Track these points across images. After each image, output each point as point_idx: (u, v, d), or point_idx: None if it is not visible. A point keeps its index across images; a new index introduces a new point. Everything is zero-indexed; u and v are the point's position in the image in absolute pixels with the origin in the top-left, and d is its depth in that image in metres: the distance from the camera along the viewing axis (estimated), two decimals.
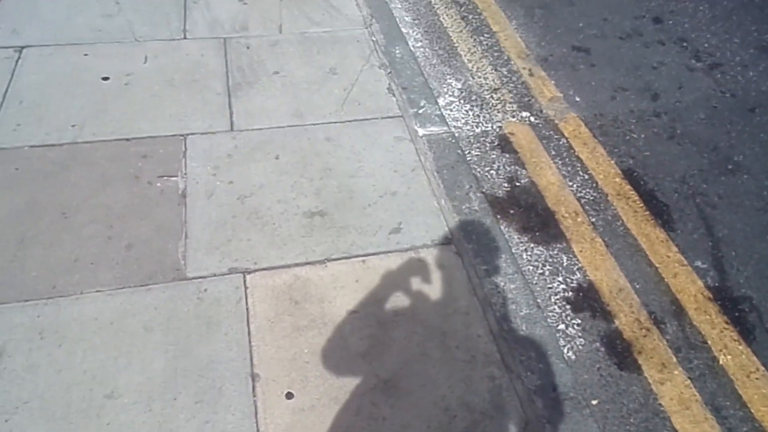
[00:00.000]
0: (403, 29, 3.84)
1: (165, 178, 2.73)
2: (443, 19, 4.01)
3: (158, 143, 2.88)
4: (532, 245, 2.73)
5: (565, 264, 2.66)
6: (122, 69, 3.27)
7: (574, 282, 2.59)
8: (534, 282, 2.57)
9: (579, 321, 2.45)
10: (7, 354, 2.08)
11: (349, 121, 3.10)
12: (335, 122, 3.08)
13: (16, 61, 3.24)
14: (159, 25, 3.61)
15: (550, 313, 2.47)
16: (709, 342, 2.40)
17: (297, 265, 2.45)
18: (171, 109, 3.07)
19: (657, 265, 2.65)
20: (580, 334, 2.41)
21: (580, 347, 2.37)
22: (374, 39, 3.65)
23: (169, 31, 3.57)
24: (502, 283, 2.48)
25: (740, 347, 2.39)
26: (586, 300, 2.53)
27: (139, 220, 2.55)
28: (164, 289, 2.32)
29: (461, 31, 3.92)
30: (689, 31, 4.00)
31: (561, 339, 2.38)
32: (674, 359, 2.34)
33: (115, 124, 2.95)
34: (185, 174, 2.75)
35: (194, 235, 2.51)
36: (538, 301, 2.48)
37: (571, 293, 2.55)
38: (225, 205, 2.64)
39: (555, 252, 2.71)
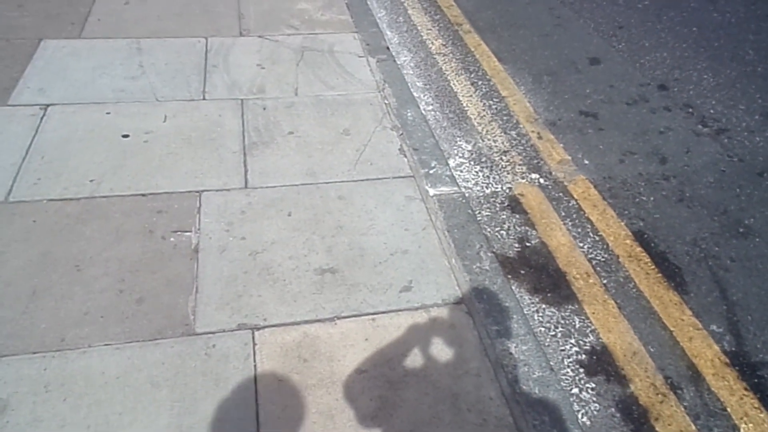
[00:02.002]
0: (414, 93, 3.96)
1: (178, 233, 2.76)
2: (453, 84, 4.14)
3: (173, 199, 2.93)
4: (543, 306, 2.70)
5: (577, 326, 2.62)
6: (142, 127, 3.38)
7: (587, 344, 2.54)
8: (546, 344, 2.53)
9: (593, 385, 2.39)
10: (11, 407, 2.05)
11: (361, 180, 3.15)
12: (347, 181, 3.13)
13: (41, 118, 3.36)
14: (180, 87, 3.75)
15: (564, 377, 2.42)
16: (729, 409, 2.33)
17: (306, 322, 2.43)
18: (187, 166, 3.14)
19: (671, 329, 2.61)
20: (594, 398, 2.35)
21: (595, 412, 2.30)
22: (387, 102, 3.76)
23: (189, 92, 3.71)
24: (514, 345, 2.44)
25: (761, 415, 2.31)
26: (600, 363, 2.47)
27: (150, 274, 2.56)
28: (173, 344, 2.30)
29: (471, 96, 4.03)
30: (694, 98, 4.10)
31: (575, 403, 2.32)
32: (693, 427, 2.26)
33: (132, 180, 3.02)
34: (198, 229, 2.78)
35: (205, 290, 2.51)
36: (551, 363, 2.43)
37: (584, 356, 2.50)
38: (237, 260, 2.65)
39: (567, 313, 2.67)
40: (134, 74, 3.85)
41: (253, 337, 2.35)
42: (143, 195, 2.94)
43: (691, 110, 3.98)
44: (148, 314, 2.40)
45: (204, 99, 3.66)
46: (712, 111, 3.97)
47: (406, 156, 3.34)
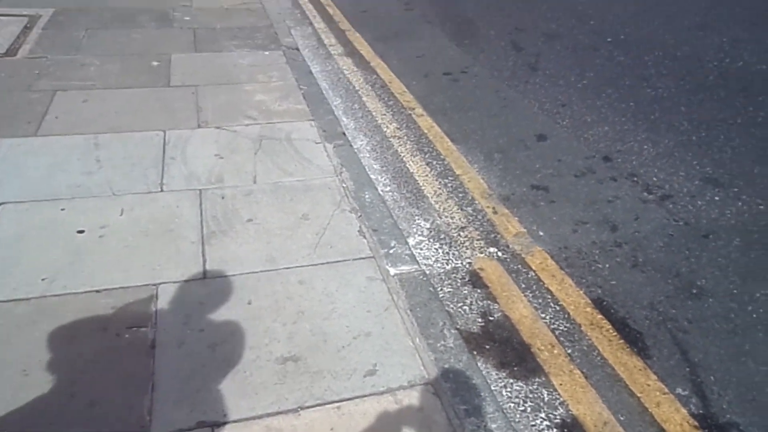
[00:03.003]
0: (371, 176, 4.06)
1: (134, 329, 2.68)
2: (409, 165, 4.28)
3: (129, 294, 2.86)
4: (511, 381, 2.68)
5: (546, 399, 2.59)
6: (98, 222, 3.34)
7: (558, 418, 2.51)
8: (516, 420, 2.49)
9: None
10: None
11: (322, 263, 3.15)
12: (308, 265, 3.13)
13: None
14: (137, 180, 3.76)
15: None
16: None
17: (269, 415, 2.34)
18: (144, 259, 3.10)
19: (638, 395, 2.61)
20: None
21: None
22: (344, 186, 3.84)
23: (147, 185, 3.72)
24: (484, 424, 2.39)
25: None
26: None
27: (104, 375, 2.45)
28: None
29: (427, 176, 4.16)
30: (638, 167, 4.31)
31: None
32: None
33: (86, 276, 2.95)
34: (155, 324, 2.71)
35: (162, 388, 2.41)
36: None
37: (555, 430, 2.46)
38: (195, 354, 2.57)
39: (535, 387, 2.65)
40: (91, 169, 3.85)
41: None
42: (97, 291, 2.87)
43: (635, 179, 4.18)
44: (100, 418, 2.28)
45: (161, 191, 3.67)
46: (655, 179, 4.18)
47: (365, 237, 3.38)
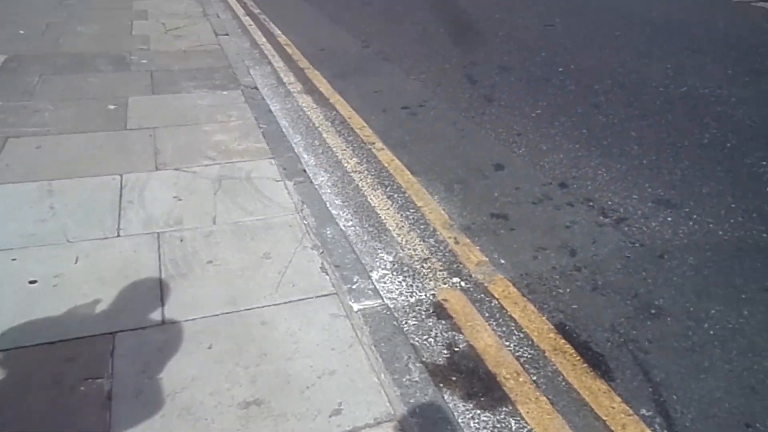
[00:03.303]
0: (333, 211, 4.07)
1: (89, 380, 2.59)
2: (370, 199, 4.30)
3: (84, 344, 2.77)
4: (478, 412, 2.66)
5: (513, 428, 2.58)
6: (51, 271, 3.25)
7: None
8: None
9: None
10: None
11: (284, 303, 3.12)
12: (270, 305, 3.09)
13: None
14: (93, 226, 3.68)
15: None
16: None
17: None
18: (100, 307, 3.01)
19: (604, 418, 2.62)
20: None
21: None
22: (306, 223, 3.83)
23: (103, 230, 3.64)
24: None
25: None
26: None
27: (58, 431, 2.35)
28: None
29: (388, 209, 4.18)
30: (593, 192, 4.43)
31: None
32: None
33: (38, 329, 2.85)
34: (111, 374, 2.62)
35: None
36: None
37: None
38: (153, 403, 2.49)
39: (502, 416, 2.64)
40: (44, 217, 3.76)
41: None
42: (51, 343, 2.77)
43: (591, 204, 4.28)
44: None
45: (118, 236, 3.60)
46: (610, 202, 4.29)
47: (328, 274, 3.36)
